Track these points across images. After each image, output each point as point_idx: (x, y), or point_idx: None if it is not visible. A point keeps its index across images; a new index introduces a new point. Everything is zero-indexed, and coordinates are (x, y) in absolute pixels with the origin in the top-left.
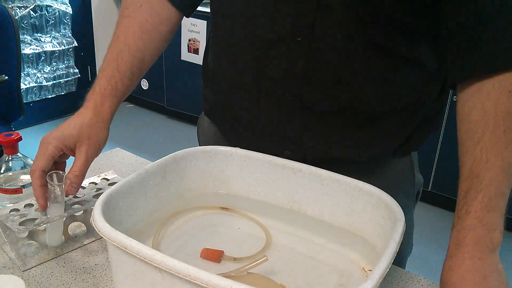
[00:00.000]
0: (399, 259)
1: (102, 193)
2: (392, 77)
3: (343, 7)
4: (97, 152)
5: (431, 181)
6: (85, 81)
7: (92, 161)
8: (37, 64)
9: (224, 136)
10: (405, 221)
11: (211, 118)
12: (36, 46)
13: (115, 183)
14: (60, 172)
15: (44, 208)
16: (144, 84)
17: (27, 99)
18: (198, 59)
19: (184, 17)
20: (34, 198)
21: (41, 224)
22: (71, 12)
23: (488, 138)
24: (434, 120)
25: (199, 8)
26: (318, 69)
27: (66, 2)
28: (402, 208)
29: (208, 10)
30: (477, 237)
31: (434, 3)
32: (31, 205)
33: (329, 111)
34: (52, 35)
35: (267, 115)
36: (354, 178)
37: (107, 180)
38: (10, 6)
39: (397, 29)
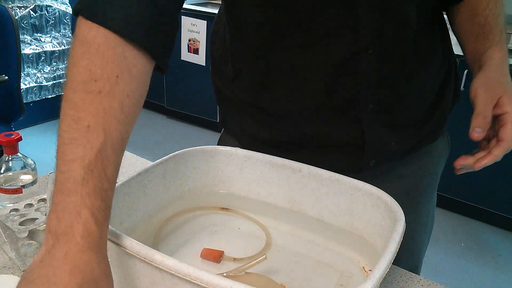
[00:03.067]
0: (419, 251)
1: None
2: (427, 61)
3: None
4: None
5: None
6: None
7: None
8: (37, 64)
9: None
10: (432, 201)
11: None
12: (36, 46)
13: None
14: None
15: None
16: None
17: (27, 99)
18: (198, 59)
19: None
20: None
21: (41, 224)
22: (71, 12)
23: (493, 3)
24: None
25: (199, 8)
26: (388, 71)
27: (66, 2)
28: (431, 192)
29: (208, 10)
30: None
31: None
32: (31, 205)
33: (396, 109)
34: (52, 35)
35: (325, 132)
36: (403, 168)
37: None
38: (10, 6)
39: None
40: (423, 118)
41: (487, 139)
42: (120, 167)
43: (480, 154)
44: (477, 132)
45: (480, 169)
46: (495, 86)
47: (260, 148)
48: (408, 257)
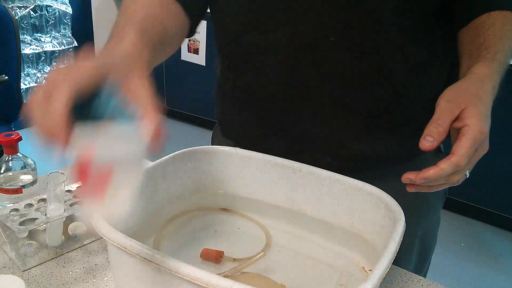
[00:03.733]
0: (426, 255)
1: None
2: (426, 62)
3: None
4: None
5: None
6: None
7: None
8: (37, 64)
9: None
10: (430, 218)
11: (231, 138)
12: (36, 46)
13: None
14: (60, 172)
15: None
16: None
17: (27, 99)
18: (198, 59)
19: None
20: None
21: (41, 224)
22: (71, 12)
23: (499, 26)
24: None
25: None
26: (356, 66)
27: (66, 2)
28: (431, 206)
29: (207, 10)
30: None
31: None
32: (31, 205)
33: (367, 108)
34: (52, 35)
35: (302, 126)
36: (394, 178)
37: None
38: (10, 6)
39: (427, 11)
40: (397, 125)
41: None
42: None
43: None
44: (427, 141)
45: (481, 170)
46: (462, 97)
47: (240, 138)
48: None
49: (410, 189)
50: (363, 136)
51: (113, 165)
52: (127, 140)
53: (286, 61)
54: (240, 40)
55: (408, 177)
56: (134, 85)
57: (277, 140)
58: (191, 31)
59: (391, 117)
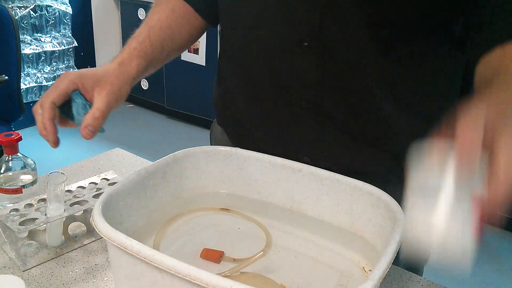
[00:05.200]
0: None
1: (102, 193)
2: (404, 80)
3: (351, 9)
4: (117, 102)
5: None
6: None
7: (110, 111)
8: (37, 64)
9: (239, 145)
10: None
11: (224, 128)
12: (36, 46)
13: (115, 183)
14: (60, 172)
15: (56, 145)
16: (144, 84)
17: (27, 99)
18: (198, 59)
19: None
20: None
21: (41, 224)
22: (71, 12)
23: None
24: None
25: None
26: (330, 74)
27: (66, 2)
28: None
29: None
30: None
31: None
32: (31, 205)
33: (345, 119)
34: (52, 35)
35: (283, 126)
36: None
37: (107, 180)
38: (10, 6)
39: (408, 28)
40: (375, 139)
41: None
42: (120, 167)
43: None
44: None
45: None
46: None
47: (236, 125)
48: None
49: None
50: (341, 146)
51: None
52: None
53: (267, 61)
54: (234, 33)
55: None
56: (94, 96)
57: (268, 132)
58: (213, 23)
59: (366, 130)
